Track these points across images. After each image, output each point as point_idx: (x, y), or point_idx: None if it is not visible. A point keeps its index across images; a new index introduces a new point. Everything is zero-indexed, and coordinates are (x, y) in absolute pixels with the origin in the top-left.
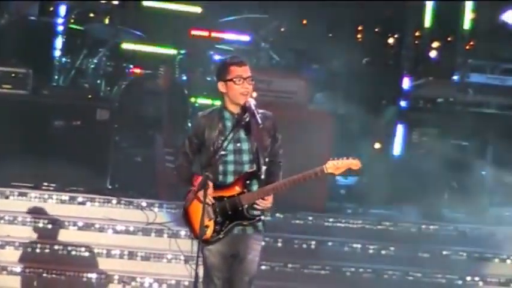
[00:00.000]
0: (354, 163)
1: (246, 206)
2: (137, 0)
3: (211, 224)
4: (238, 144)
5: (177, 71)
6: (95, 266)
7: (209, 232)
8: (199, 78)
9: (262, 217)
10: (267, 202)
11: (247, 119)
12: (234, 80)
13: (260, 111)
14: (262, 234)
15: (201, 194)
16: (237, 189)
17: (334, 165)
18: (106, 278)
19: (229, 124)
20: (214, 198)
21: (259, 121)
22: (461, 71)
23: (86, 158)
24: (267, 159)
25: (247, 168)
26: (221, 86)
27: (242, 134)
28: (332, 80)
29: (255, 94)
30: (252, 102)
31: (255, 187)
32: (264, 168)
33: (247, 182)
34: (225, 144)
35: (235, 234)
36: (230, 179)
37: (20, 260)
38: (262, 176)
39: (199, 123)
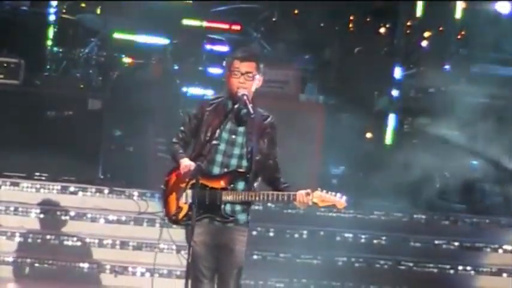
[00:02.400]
0: (340, 203)
1: (224, 203)
2: None
3: (185, 207)
4: (233, 136)
5: (168, 60)
6: (87, 256)
7: (181, 215)
8: (190, 67)
9: (240, 217)
10: None
11: (240, 109)
12: (231, 73)
13: (265, 113)
14: (246, 226)
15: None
16: (222, 183)
17: (320, 197)
18: (98, 268)
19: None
20: (199, 184)
21: (251, 111)
22: (453, 60)
23: (78, 148)
24: (258, 158)
25: (234, 162)
26: (225, 77)
27: (239, 127)
28: (323, 70)
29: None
30: (244, 93)
31: (240, 187)
32: (254, 163)
33: (234, 180)
34: (219, 132)
35: (217, 226)
36: (216, 169)
37: (12, 250)
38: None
39: (203, 105)
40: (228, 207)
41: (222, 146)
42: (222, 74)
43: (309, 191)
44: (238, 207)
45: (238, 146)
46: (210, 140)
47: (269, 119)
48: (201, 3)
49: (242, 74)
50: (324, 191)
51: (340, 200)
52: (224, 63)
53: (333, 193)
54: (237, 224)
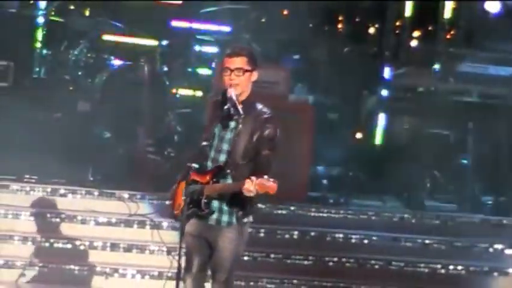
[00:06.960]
0: (271, 187)
1: (204, 197)
2: None
3: (182, 203)
4: (223, 132)
5: (158, 62)
6: (78, 258)
7: (179, 210)
8: (180, 69)
9: (223, 218)
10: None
11: (230, 109)
12: (223, 71)
13: (264, 109)
14: (230, 226)
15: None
16: (207, 178)
17: (260, 183)
18: (88, 270)
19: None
20: (193, 180)
21: (241, 111)
22: (442, 59)
23: (68, 150)
24: (241, 154)
25: (223, 157)
26: (219, 77)
27: (231, 122)
28: (313, 70)
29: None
30: (233, 93)
31: (221, 181)
32: (236, 158)
33: (216, 175)
34: (212, 131)
35: (201, 222)
36: (209, 164)
37: (2, 253)
38: (228, 171)
39: (210, 103)
40: (213, 203)
41: (215, 142)
42: (211, 75)
43: (253, 178)
44: (224, 208)
45: (226, 142)
46: (205, 139)
47: (265, 115)
48: (190, 4)
49: (232, 71)
50: (266, 177)
51: (271, 184)
52: (213, 65)
53: (271, 179)
54: (218, 225)
